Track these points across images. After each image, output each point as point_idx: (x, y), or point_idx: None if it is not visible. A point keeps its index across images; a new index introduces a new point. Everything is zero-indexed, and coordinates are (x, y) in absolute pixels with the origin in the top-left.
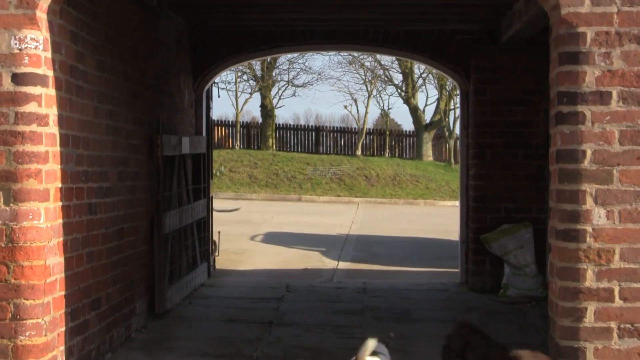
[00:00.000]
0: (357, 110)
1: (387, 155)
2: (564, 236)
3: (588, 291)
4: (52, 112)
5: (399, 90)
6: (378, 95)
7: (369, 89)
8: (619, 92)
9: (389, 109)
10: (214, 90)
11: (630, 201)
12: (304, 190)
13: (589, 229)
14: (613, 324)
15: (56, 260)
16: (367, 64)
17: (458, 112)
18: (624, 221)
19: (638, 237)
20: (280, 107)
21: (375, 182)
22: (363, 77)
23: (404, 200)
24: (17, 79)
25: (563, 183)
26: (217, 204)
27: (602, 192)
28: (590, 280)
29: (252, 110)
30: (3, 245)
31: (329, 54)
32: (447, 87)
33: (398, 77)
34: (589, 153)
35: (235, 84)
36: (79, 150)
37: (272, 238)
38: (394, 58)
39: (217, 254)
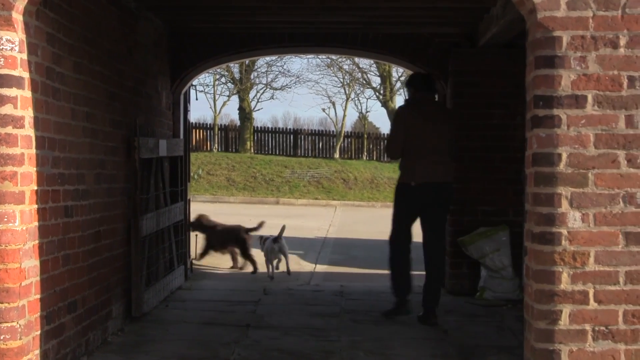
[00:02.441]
0: (335, 113)
1: (365, 158)
2: (539, 239)
3: (563, 294)
4: (28, 114)
5: (377, 93)
6: (356, 98)
7: (347, 92)
8: (594, 95)
9: (367, 112)
10: (192, 92)
11: (605, 204)
12: (282, 193)
13: (564, 232)
14: (588, 327)
15: (32, 263)
16: (346, 66)
17: None
18: (599, 224)
19: (613, 240)
20: (258, 110)
21: (353, 185)
22: (341, 80)
23: (382, 203)
24: None
25: (539, 186)
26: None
27: (578, 195)
28: (565, 283)
29: (230, 113)
30: None
31: (308, 56)
32: None
33: (376, 80)
34: (564, 156)
35: (214, 86)
36: (55, 152)
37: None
38: (372, 61)
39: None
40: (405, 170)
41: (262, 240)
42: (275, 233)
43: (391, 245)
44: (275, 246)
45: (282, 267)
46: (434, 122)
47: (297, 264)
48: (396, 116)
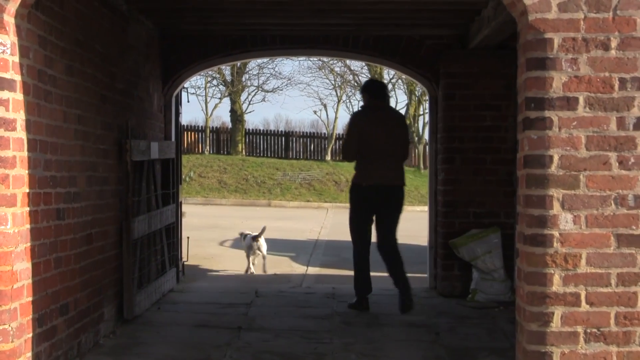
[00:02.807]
0: (327, 116)
1: None
2: (531, 241)
3: (555, 296)
4: (20, 116)
5: None
6: (348, 101)
7: (339, 94)
8: (585, 97)
9: None
10: (184, 95)
11: (596, 206)
12: (274, 196)
13: (556, 234)
14: (580, 329)
15: (23, 266)
16: (337, 69)
17: (427, 117)
18: (590, 226)
19: (604, 242)
20: (250, 112)
21: (345, 187)
22: (333, 82)
23: None
24: None
25: (530, 188)
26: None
27: (569, 197)
28: (557, 285)
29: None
30: None
31: (299, 59)
32: (416, 93)
33: None
34: (556, 158)
35: (205, 89)
36: (47, 155)
37: (241, 243)
38: (363, 63)
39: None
40: (358, 171)
41: (243, 236)
42: (270, 236)
43: (354, 244)
44: (254, 244)
45: (271, 270)
46: (386, 128)
47: (289, 266)
48: (351, 121)
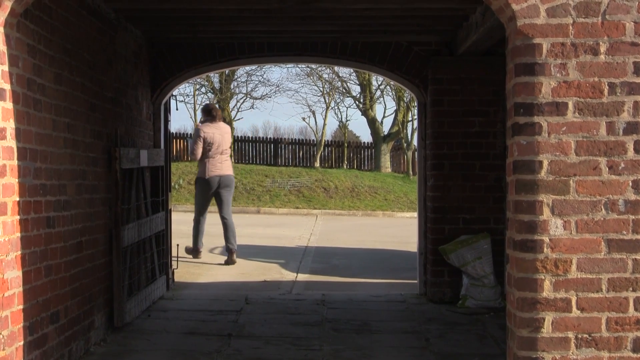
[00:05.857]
0: (316, 122)
1: (345, 167)
2: (521, 247)
3: (545, 301)
4: (10, 125)
5: (357, 102)
6: (336, 107)
7: (327, 100)
8: (574, 102)
9: (347, 120)
10: (172, 103)
11: (586, 211)
12: (263, 203)
13: (546, 239)
14: (570, 334)
15: (14, 274)
16: (325, 75)
17: (416, 123)
18: (580, 231)
19: (595, 247)
20: (238, 119)
21: (334, 194)
22: (321, 89)
23: (363, 212)
24: None
25: (520, 194)
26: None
27: (559, 202)
28: (547, 291)
29: None
30: None
31: (287, 66)
32: (405, 99)
33: (356, 89)
34: (545, 164)
35: (194, 96)
36: (37, 163)
37: None
38: (352, 70)
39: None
40: (201, 167)
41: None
42: (259, 243)
43: (197, 218)
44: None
45: (261, 277)
46: (219, 135)
47: (279, 273)
48: (197, 131)
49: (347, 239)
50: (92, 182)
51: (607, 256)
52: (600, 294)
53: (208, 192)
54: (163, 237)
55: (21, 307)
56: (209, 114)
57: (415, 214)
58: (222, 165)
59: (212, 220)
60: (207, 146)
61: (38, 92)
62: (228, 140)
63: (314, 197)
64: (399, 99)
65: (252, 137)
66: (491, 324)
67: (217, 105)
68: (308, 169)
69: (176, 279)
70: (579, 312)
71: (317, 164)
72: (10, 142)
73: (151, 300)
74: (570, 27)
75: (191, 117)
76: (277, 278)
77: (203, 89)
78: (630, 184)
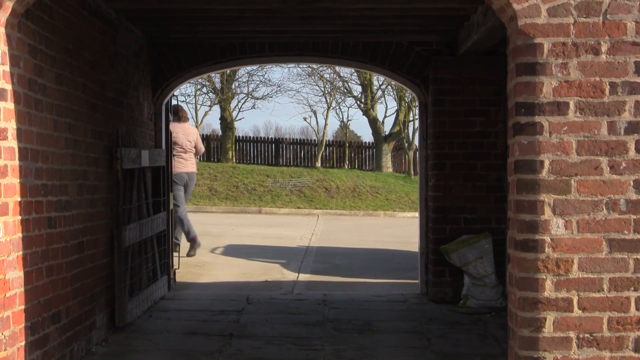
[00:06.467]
0: (317, 122)
1: (346, 166)
2: (522, 246)
3: (547, 301)
4: (11, 125)
5: (358, 102)
6: (337, 107)
7: (329, 100)
8: (576, 102)
9: (348, 120)
10: (174, 102)
11: (588, 211)
12: (264, 203)
13: (547, 239)
14: (572, 334)
15: (16, 275)
16: (327, 75)
17: (417, 123)
18: (582, 231)
19: (596, 247)
20: (240, 119)
21: (335, 194)
22: (322, 89)
23: (364, 212)
24: None
25: (521, 193)
26: None
27: (560, 202)
28: (549, 291)
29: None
30: None
31: (288, 66)
32: (406, 99)
33: (357, 89)
34: (546, 163)
35: (195, 96)
36: (38, 163)
37: (232, 250)
38: (353, 70)
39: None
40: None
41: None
42: (260, 243)
43: (182, 212)
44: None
45: (262, 277)
46: (182, 134)
47: (280, 273)
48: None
49: (349, 239)
50: (94, 183)
51: (608, 256)
52: (602, 293)
53: (180, 187)
54: (164, 237)
55: (22, 307)
56: (176, 115)
57: (417, 214)
58: (187, 163)
59: (212, 220)
60: (173, 145)
61: (39, 92)
62: (192, 140)
63: (315, 197)
64: (400, 99)
65: (253, 137)
66: (492, 323)
67: (184, 107)
68: (309, 169)
69: (177, 279)
70: (580, 311)
71: (319, 164)
72: (12, 143)
73: (152, 300)
74: (572, 26)
75: (192, 117)
76: (278, 278)
77: (204, 89)
78: (632, 183)
